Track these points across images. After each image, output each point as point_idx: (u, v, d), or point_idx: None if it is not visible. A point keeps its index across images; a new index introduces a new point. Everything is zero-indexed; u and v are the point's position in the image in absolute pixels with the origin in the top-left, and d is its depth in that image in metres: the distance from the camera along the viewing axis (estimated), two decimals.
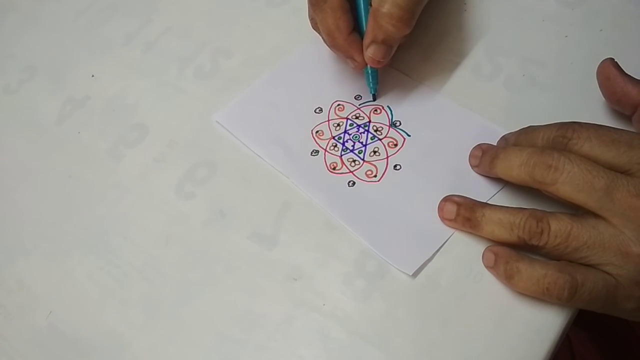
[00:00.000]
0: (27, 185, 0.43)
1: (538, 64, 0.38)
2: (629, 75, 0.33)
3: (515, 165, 0.31)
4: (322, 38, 0.38)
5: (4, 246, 0.40)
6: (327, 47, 0.38)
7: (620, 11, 0.39)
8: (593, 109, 0.35)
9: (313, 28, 0.39)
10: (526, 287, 0.30)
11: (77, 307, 0.37)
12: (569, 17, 0.40)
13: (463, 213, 0.33)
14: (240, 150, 0.40)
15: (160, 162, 0.41)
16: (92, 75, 0.47)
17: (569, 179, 0.29)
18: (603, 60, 0.34)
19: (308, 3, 0.37)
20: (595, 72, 0.34)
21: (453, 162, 0.36)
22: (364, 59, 0.37)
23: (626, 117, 0.34)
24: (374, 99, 0.39)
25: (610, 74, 0.33)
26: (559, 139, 0.30)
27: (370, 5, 0.36)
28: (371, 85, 0.39)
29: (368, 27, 0.35)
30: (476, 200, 0.33)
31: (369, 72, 0.38)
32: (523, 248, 0.31)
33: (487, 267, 0.32)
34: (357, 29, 0.37)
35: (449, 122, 0.37)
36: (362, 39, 0.36)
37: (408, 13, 0.35)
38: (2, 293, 0.38)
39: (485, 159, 0.34)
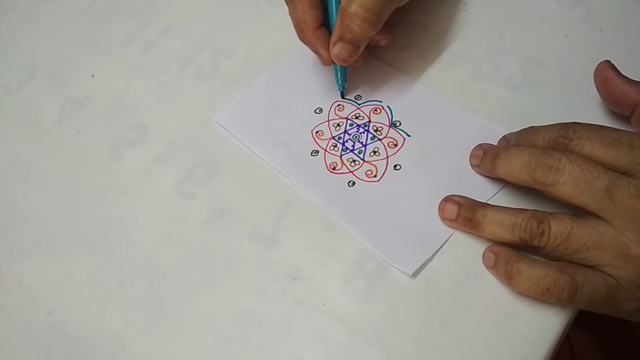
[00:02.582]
0: (27, 185, 0.43)
1: (538, 64, 0.38)
2: (626, 77, 0.33)
3: (516, 166, 0.31)
4: None
5: (4, 246, 0.40)
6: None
7: (620, 11, 0.39)
8: (593, 109, 0.35)
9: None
10: (526, 288, 0.30)
11: (77, 307, 0.37)
12: (569, 17, 0.40)
13: (464, 213, 0.33)
14: (240, 150, 0.40)
15: (160, 162, 0.41)
16: (92, 75, 0.47)
17: (570, 180, 0.29)
18: (600, 63, 0.34)
19: None
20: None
21: (453, 162, 0.36)
22: (329, 56, 0.37)
23: (626, 118, 0.34)
24: (342, 97, 0.40)
25: (607, 75, 0.33)
26: (560, 139, 0.30)
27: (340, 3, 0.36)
28: (339, 82, 0.39)
29: (335, 25, 0.36)
30: (477, 201, 0.33)
31: (337, 69, 0.38)
32: (524, 249, 0.31)
33: (487, 267, 0.32)
34: (327, 24, 0.37)
35: (449, 122, 0.37)
36: (329, 35, 0.37)
37: (374, 15, 0.35)
38: (2, 293, 0.38)
39: (486, 159, 0.34)
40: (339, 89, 0.39)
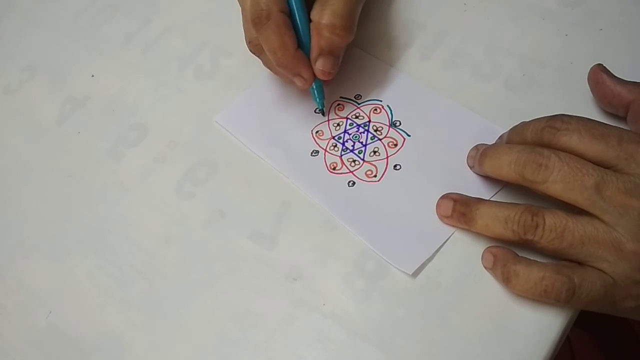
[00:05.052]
0: (27, 185, 0.43)
1: (538, 63, 0.38)
2: (618, 78, 0.33)
3: (504, 164, 0.31)
4: (263, 60, 0.38)
5: (4, 246, 0.40)
6: (270, 68, 0.39)
7: (620, 10, 0.39)
8: (593, 109, 0.35)
9: (251, 51, 0.38)
10: (524, 290, 0.30)
11: (77, 307, 0.37)
12: (569, 16, 0.40)
13: (459, 208, 0.33)
14: (240, 150, 0.40)
15: (160, 162, 0.41)
16: (92, 75, 0.47)
17: (560, 178, 0.29)
18: (592, 66, 0.34)
19: (248, 25, 0.36)
20: None
21: (453, 162, 0.36)
22: (312, 74, 0.37)
23: (623, 118, 0.34)
24: (323, 114, 0.39)
25: (599, 78, 0.34)
26: (548, 129, 0.30)
27: (310, 20, 0.36)
28: (318, 100, 0.38)
29: (313, 41, 0.36)
30: (473, 197, 0.33)
31: (314, 88, 0.38)
32: (518, 243, 0.31)
33: (485, 268, 0.32)
34: (299, 46, 0.36)
35: (449, 122, 0.37)
36: (305, 55, 0.36)
37: (349, 20, 0.35)
38: (2, 293, 0.38)
39: (476, 158, 0.34)
40: (320, 107, 0.39)
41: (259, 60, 0.43)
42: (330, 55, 0.36)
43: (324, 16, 0.35)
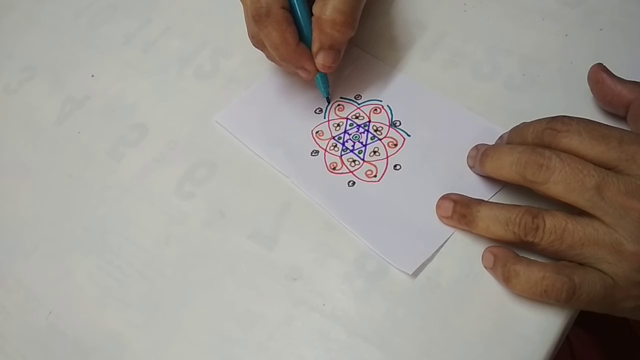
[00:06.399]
0: (27, 185, 0.43)
1: (538, 63, 0.38)
2: (618, 77, 0.33)
3: (506, 165, 0.31)
4: (266, 54, 0.39)
5: (4, 246, 0.40)
6: (273, 61, 0.39)
7: (620, 10, 0.39)
8: (593, 109, 0.35)
9: (254, 45, 0.38)
10: (524, 290, 0.30)
11: (77, 307, 0.37)
12: (569, 16, 0.40)
13: (459, 210, 0.33)
14: (240, 150, 0.40)
15: (160, 162, 0.41)
16: (92, 75, 0.47)
17: (561, 178, 0.29)
18: (592, 66, 0.34)
19: (250, 21, 0.36)
20: None
21: (453, 162, 0.36)
22: (314, 67, 0.37)
23: (623, 118, 0.34)
24: (329, 102, 0.40)
25: (599, 77, 0.34)
26: (548, 131, 0.30)
27: (312, 14, 0.36)
28: (323, 89, 0.39)
29: (314, 35, 0.36)
30: (473, 198, 0.33)
31: (319, 78, 0.38)
32: (519, 245, 0.31)
33: (486, 267, 0.32)
34: (301, 39, 0.37)
35: (449, 122, 0.37)
36: (307, 48, 0.37)
37: (350, 17, 0.35)
38: (2, 293, 0.38)
39: (477, 158, 0.34)
40: (325, 95, 0.39)
41: (259, 60, 0.44)
42: (331, 50, 0.36)
43: (325, 11, 0.35)
